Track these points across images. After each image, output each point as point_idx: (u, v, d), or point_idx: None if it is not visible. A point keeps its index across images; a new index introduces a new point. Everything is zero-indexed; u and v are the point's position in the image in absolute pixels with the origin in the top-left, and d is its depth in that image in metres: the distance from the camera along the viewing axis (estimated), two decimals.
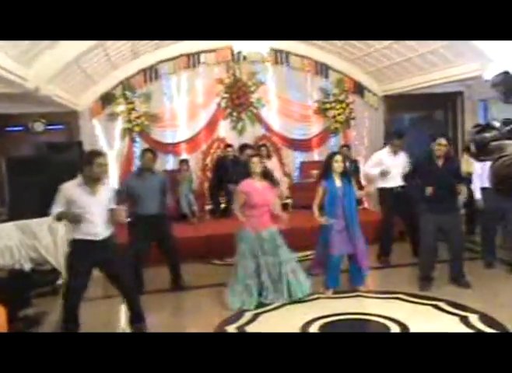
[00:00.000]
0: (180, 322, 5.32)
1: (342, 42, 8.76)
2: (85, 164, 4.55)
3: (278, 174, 9.24)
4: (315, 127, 10.18)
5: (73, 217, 4.49)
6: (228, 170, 8.75)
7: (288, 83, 9.95)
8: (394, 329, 4.63)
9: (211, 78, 9.70)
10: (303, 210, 9.20)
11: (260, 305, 5.39)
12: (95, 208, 4.54)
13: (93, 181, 4.56)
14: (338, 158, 5.61)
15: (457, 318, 4.79)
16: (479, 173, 6.15)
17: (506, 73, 1.90)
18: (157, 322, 5.04)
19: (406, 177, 6.04)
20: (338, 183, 5.56)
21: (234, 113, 9.79)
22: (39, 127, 8.79)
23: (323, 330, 4.70)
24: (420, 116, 10.63)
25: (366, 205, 9.19)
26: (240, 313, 5.21)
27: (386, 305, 5.28)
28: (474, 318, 4.74)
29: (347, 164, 5.93)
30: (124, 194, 5.98)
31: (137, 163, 8.62)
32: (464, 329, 4.55)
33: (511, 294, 5.47)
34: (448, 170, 5.55)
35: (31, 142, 8.61)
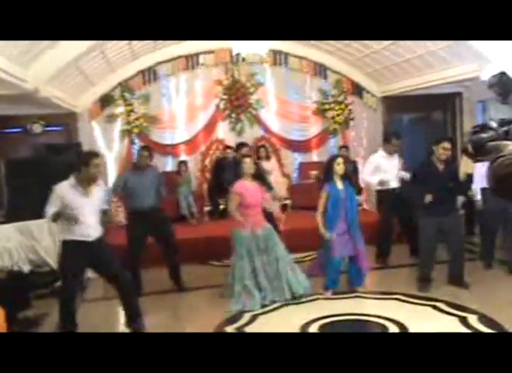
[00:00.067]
0: (178, 324, 5.32)
1: (341, 43, 8.76)
2: (82, 164, 4.54)
3: (277, 175, 9.27)
4: (314, 128, 10.18)
5: (69, 218, 4.46)
6: (227, 172, 8.75)
7: (287, 84, 9.95)
8: (393, 329, 4.63)
9: (209, 80, 9.69)
10: (301, 211, 9.22)
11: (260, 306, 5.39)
12: (88, 209, 4.55)
13: (88, 182, 4.57)
14: (340, 160, 5.62)
15: (456, 319, 4.79)
16: (480, 174, 6.15)
17: (502, 74, 1.90)
18: (156, 323, 5.04)
19: (407, 183, 6.05)
20: (339, 185, 5.58)
21: (233, 115, 9.78)
22: (37, 128, 8.79)
23: (322, 331, 4.70)
24: (419, 117, 10.64)
25: (365, 206, 9.20)
26: (239, 314, 5.20)
27: (385, 305, 5.29)
28: (473, 319, 4.74)
29: (347, 166, 5.95)
30: (120, 188, 6.04)
31: None
32: (462, 329, 4.54)
33: (510, 295, 5.47)
34: (448, 173, 5.56)
35: (30, 144, 8.59)
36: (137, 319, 4.87)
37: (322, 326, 4.80)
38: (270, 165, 9.11)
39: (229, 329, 4.87)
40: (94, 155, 4.73)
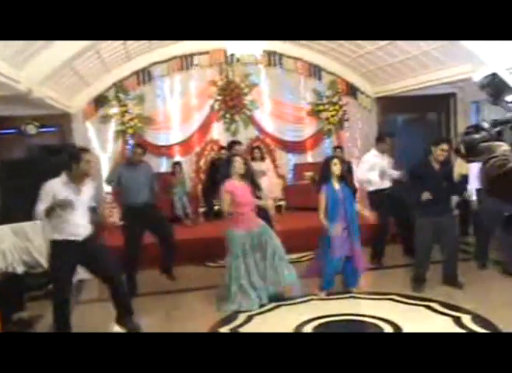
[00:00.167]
0: (173, 325, 5.28)
1: (335, 44, 8.78)
2: (73, 161, 4.49)
3: (271, 176, 9.27)
4: (308, 129, 10.20)
5: (63, 205, 4.33)
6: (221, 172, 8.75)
7: (281, 85, 9.98)
8: (387, 329, 4.64)
9: (204, 81, 9.70)
10: (296, 212, 9.24)
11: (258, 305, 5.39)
12: (79, 207, 4.51)
13: (80, 178, 4.53)
14: (336, 161, 5.64)
15: (449, 319, 4.80)
16: (475, 174, 6.17)
17: (494, 75, 1.90)
18: (150, 324, 5.04)
19: (400, 182, 6.06)
20: (336, 186, 5.58)
21: (227, 115, 9.79)
22: (31, 129, 8.75)
23: (316, 331, 4.70)
24: (413, 118, 10.67)
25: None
26: (233, 315, 5.20)
27: (379, 305, 5.29)
28: (467, 319, 4.74)
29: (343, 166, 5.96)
30: (115, 184, 6.07)
31: None
32: (456, 329, 4.55)
33: (504, 295, 5.47)
34: (444, 173, 5.58)
35: (24, 145, 8.57)
36: (131, 318, 4.86)
37: (317, 327, 4.80)
38: (265, 165, 9.09)
39: (224, 329, 4.87)
40: (84, 150, 4.68)
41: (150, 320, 5.17)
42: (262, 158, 9.18)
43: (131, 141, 9.41)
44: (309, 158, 10.26)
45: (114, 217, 8.53)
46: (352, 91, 10.09)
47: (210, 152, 9.74)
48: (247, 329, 4.88)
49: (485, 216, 6.27)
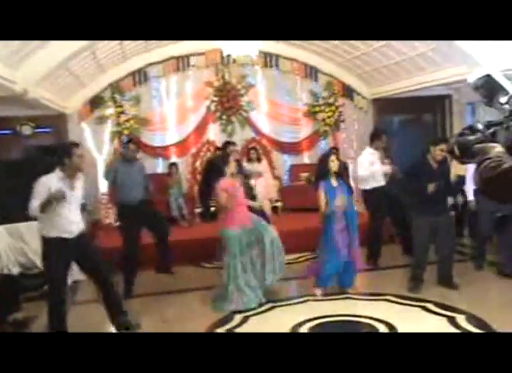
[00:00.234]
0: (168, 326, 5.27)
1: (331, 45, 8.78)
2: (65, 156, 4.50)
3: (268, 177, 9.27)
4: (305, 130, 10.19)
5: (57, 198, 4.32)
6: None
7: (277, 86, 9.97)
8: (382, 330, 4.64)
9: (200, 81, 9.68)
10: (292, 213, 9.24)
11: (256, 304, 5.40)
12: (73, 203, 4.53)
13: (73, 173, 4.54)
14: (334, 157, 5.63)
15: (444, 320, 4.81)
16: (472, 175, 6.19)
17: (487, 76, 1.90)
18: (146, 325, 5.03)
19: (399, 180, 6.07)
20: (334, 182, 5.57)
21: (224, 116, 9.77)
22: (27, 130, 8.71)
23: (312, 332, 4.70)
24: (409, 119, 10.69)
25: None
26: (229, 316, 5.19)
27: (374, 306, 5.30)
28: (461, 319, 4.75)
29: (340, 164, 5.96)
30: (111, 182, 6.11)
31: None
32: (451, 329, 4.56)
33: (499, 296, 5.51)
34: (442, 172, 5.60)
35: (20, 145, 8.55)
36: (122, 314, 4.87)
37: (312, 328, 4.80)
38: (261, 167, 9.11)
39: (220, 330, 4.86)
40: (74, 144, 4.72)
41: (145, 321, 5.15)
42: (259, 160, 9.20)
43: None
44: (305, 159, 10.25)
45: (110, 218, 8.57)
46: (349, 92, 10.09)
47: (206, 153, 9.70)
48: (243, 329, 4.87)
49: (482, 216, 6.28)
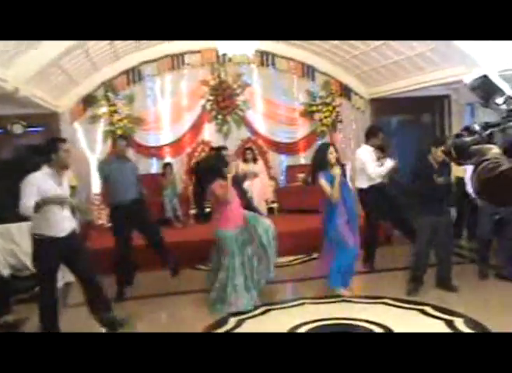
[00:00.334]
0: (162, 329, 5.20)
1: (329, 44, 8.71)
2: (51, 152, 4.45)
3: (264, 178, 9.21)
4: (301, 130, 10.09)
5: (59, 201, 4.34)
6: None
7: (274, 85, 9.86)
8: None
9: (195, 80, 9.57)
10: (288, 215, 9.16)
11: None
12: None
13: (60, 169, 4.51)
14: (332, 149, 5.55)
15: (442, 323, 4.75)
16: (470, 176, 6.11)
17: (484, 77, 1.87)
18: (139, 328, 4.99)
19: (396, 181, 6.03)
20: (333, 174, 5.43)
21: (219, 116, 9.66)
22: (18, 129, 8.58)
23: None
24: (407, 120, 10.61)
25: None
26: (224, 319, 5.12)
27: (371, 309, 5.22)
28: (460, 323, 4.70)
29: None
30: (103, 175, 6.09)
31: None
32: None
33: (498, 299, 5.45)
34: (443, 173, 5.56)
35: (10, 145, 8.45)
36: (108, 312, 4.82)
37: (308, 331, 4.72)
38: (257, 167, 9.06)
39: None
40: (60, 140, 4.70)
41: (139, 324, 5.10)
42: (255, 160, 9.14)
43: None
44: (302, 159, 10.14)
45: (103, 218, 8.48)
46: (346, 92, 9.98)
47: (201, 153, 9.57)
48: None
49: (481, 219, 6.22)
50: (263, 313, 5.28)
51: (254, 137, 9.90)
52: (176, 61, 9.34)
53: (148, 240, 6.33)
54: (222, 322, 5.06)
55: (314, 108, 9.86)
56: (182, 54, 9.31)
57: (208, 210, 8.83)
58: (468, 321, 4.71)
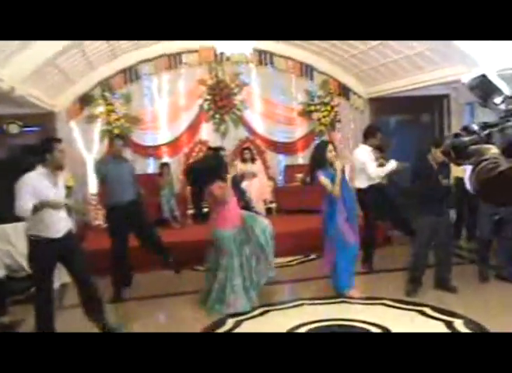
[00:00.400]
0: (160, 329, 5.17)
1: (327, 43, 8.67)
2: (46, 152, 4.41)
3: (262, 178, 9.16)
4: (300, 130, 10.05)
5: (56, 205, 4.33)
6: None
7: (272, 85, 9.81)
8: None
9: (193, 79, 9.51)
10: (287, 215, 9.12)
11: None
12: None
13: (55, 169, 4.47)
14: (331, 147, 5.50)
15: (442, 324, 4.72)
16: (468, 177, 6.08)
17: (482, 76, 1.84)
18: (136, 329, 4.97)
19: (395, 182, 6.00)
20: (332, 172, 5.39)
21: (217, 116, 9.61)
22: (14, 129, 8.53)
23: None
24: (406, 119, 10.57)
25: None
26: (222, 320, 5.08)
27: (370, 310, 5.19)
28: (459, 324, 4.67)
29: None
30: (100, 176, 6.08)
31: None
32: None
33: (498, 300, 5.43)
34: (442, 173, 5.54)
35: (6, 145, 8.40)
36: (101, 314, 4.78)
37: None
38: (255, 167, 9.01)
39: None
40: (55, 140, 4.67)
41: (136, 325, 5.09)
42: (252, 160, 9.10)
43: None
44: (300, 159, 10.09)
45: (100, 219, 8.43)
46: (345, 91, 9.94)
47: (198, 153, 9.51)
48: None
49: (480, 219, 6.19)
50: (261, 314, 5.24)
51: (252, 137, 9.85)
52: (173, 60, 9.29)
53: (144, 242, 6.28)
54: (220, 323, 5.03)
55: (313, 107, 9.81)
56: (179, 53, 9.26)
57: (206, 210, 8.78)
58: (468, 322, 4.69)
